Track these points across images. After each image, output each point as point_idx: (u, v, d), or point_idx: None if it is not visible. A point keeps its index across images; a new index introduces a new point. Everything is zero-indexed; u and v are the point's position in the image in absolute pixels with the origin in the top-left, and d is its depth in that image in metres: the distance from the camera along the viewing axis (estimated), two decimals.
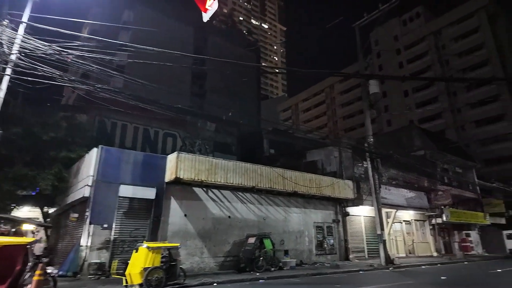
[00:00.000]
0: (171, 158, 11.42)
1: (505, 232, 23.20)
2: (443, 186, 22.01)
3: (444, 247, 24.79)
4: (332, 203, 17.04)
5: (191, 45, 38.11)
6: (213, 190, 12.80)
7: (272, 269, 12.13)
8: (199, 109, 29.47)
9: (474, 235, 27.19)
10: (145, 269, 7.85)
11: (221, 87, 37.25)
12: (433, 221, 22.38)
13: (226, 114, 22.91)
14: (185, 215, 11.85)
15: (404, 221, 21.05)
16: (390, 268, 13.91)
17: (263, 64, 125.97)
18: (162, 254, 8.54)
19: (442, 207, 21.74)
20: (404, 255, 20.25)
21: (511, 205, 32.18)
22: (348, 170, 17.82)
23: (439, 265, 16.41)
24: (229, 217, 12.99)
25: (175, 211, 11.65)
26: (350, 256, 16.59)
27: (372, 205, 16.41)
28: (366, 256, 17.53)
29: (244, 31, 58.77)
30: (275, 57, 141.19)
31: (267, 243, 12.54)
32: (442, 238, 25.26)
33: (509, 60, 44.06)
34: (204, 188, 12.56)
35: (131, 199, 11.09)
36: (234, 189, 13.20)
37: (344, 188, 16.60)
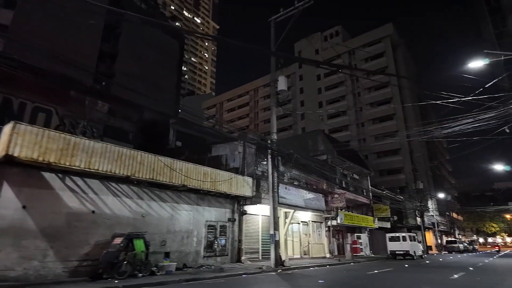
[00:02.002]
0: (6, 130, 8.51)
1: (388, 235, 25.50)
2: (340, 190, 23.07)
3: (338, 249, 26.16)
4: (230, 200, 15.86)
5: (102, 17, 33.37)
6: (73, 177, 10.18)
7: (140, 275, 10.13)
8: (103, 89, 25.46)
9: (364, 238, 29.53)
10: None
11: (135, 72, 33.48)
12: (329, 223, 23.27)
13: (134, 99, 20.03)
14: (24, 207, 9.00)
15: (301, 222, 21.25)
16: (279, 270, 13.29)
17: (185, 56, 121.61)
18: None
19: (337, 209, 22.74)
20: (299, 256, 20.35)
21: (395, 211, 36.41)
22: (250, 167, 16.94)
23: (328, 266, 16.62)
24: (93, 212, 10.51)
25: (7, 201, 8.72)
26: (243, 258, 15.59)
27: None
28: (260, 258, 16.84)
29: (168, 16, 54.68)
30: (205, 54, 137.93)
31: (139, 244, 10.50)
32: (336, 239, 26.64)
33: (403, 83, 50.77)
34: (59, 174, 9.86)
35: None
36: (104, 178, 10.79)
37: (243, 185, 15.59)
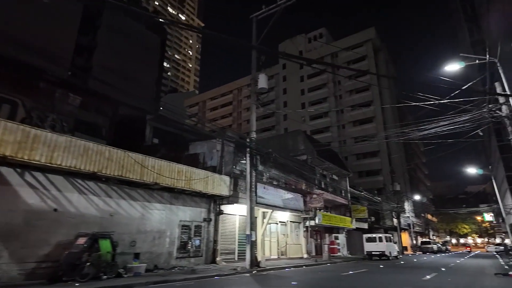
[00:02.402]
0: None
1: (365, 236, 25.77)
2: (319, 190, 23.07)
3: (315, 249, 26.18)
4: (206, 200, 15.42)
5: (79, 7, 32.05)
6: (34, 172, 9.48)
7: (105, 277, 9.55)
8: (75, 81, 24.29)
9: (341, 238, 29.75)
10: None
11: (113, 66, 32.39)
12: (307, 223, 23.22)
13: (110, 93, 19.17)
14: None
15: (280, 222, 21.07)
16: (254, 272, 13.00)
17: (168, 52, 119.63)
18: None
19: (316, 210, 22.72)
20: (276, 256, 20.14)
21: (373, 212, 36.98)
22: (228, 166, 16.56)
23: (304, 267, 16.49)
24: (56, 210, 9.84)
25: None
26: (218, 259, 15.19)
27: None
28: (236, 259, 16.49)
29: (150, 11, 53.35)
30: (189, 51, 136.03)
31: (104, 244, 9.91)
32: (314, 240, 26.66)
33: (383, 86, 51.85)
34: (17, 169, 9.15)
35: None
36: (68, 174, 10.13)
37: (220, 184, 15.19)
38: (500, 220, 42.09)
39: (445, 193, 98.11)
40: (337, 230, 29.24)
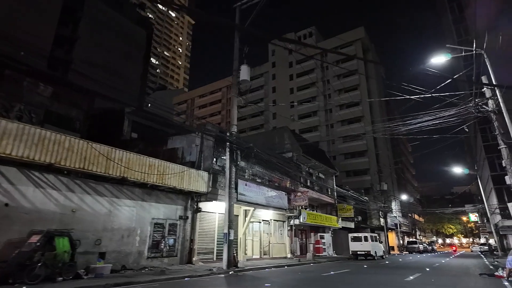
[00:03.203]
0: None
1: (350, 235, 25.30)
2: (304, 188, 22.47)
3: (300, 248, 25.60)
4: (182, 197, 14.59)
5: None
6: None
7: (60, 278, 8.67)
8: (52, 73, 23.08)
9: (327, 237, 29.23)
10: None
11: (95, 59, 31.26)
12: (292, 222, 22.60)
13: (89, 85, 18.16)
14: None
15: (263, 220, 20.38)
16: (231, 272, 12.26)
17: (157, 49, 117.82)
18: None
19: (300, 208, 22.13)
20: (258, 256, 19.45)
21: (360, 212, 36.67)
22: (207, 161, 15.77)
23: (286, 267, 15.82)
24: (7, 205, 8.91)
25: None
26: (194, 259, 14.39)
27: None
28: (215, 259, 15.71)
29: (135, 2, 51.99)
30: (179, 49, 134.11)
31: (61, 243, 9.02)
32: (299, 239, 26.08)
33: (372, 85, 51.93)
34: None
35: None
36: (22, 165, 9.19)
37: (197, 180, 14.39)
38: (485, 220, 42.45)
39: (432, 194, 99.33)
40: (323, 229, 28.74)
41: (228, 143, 14.44)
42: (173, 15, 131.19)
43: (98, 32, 34.18)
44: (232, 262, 13.63)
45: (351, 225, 33.78)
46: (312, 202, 28.58)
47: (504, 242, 37.93)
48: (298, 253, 24.54)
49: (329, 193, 30.55)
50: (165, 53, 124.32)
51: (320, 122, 54.43)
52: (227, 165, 14.16)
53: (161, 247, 13.09)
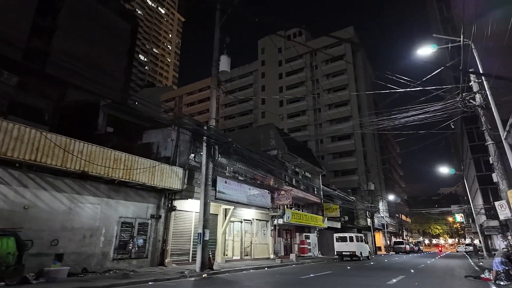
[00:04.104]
0: None
1: (335, 235, 24.69)
2: (288, 186, 21.73)
3: (285, 249, 24.87)
4: (155, 194, 13.64)
5: None
6: None
7: (2, 283, 7.67)
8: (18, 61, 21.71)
9: (313, 238, 28.58)
10: None
11: (75, 51, 29.90)
12: (275, 221, 21.84)
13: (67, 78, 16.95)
14: None
15: (244, 220, 19.55)
16: (204, 275, 11.40)
17: (146, 46, 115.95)
18: None
19: (284, 207, 21.40)
20: (239, 257, 18.61)
21: (347, 211, 36.21)
22: (183, 156, 14.85)
23: (266, 269, 15.03)
24: None
25: None
26: (167, 260, 13.45)
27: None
28: (190, 260, 14.79)
29: None
30: (169, 46, 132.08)
31: (5, 243, 8.01)
32: (284, 239, 25.36)
33: (360, 86, 51.66)
34: None
35: None
36: None
37: (170, 176, 13.46)
38: (470, 221, 42.62)
39: (419, 195, 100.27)
40: (308, 229, 28.09)
41: (205, 137, 13.58)
42: (163, 11, 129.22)
43: (78, 24, 32.86)
44: (208, 264, 12.77)
45: (338, 225, 33.26)
46: (298, 202, 27.91)
47: (489, 242, 38.10)
48: (282, 253, 23.81)
49: (316, 192, 29.94)
50: (154, 50, 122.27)
51: (309, 121, 53.96)
52: (204, 161, 13.31)
53: (129, 248, 12.11)
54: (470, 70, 10.67)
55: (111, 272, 10.96)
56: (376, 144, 54.22)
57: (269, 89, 60.99)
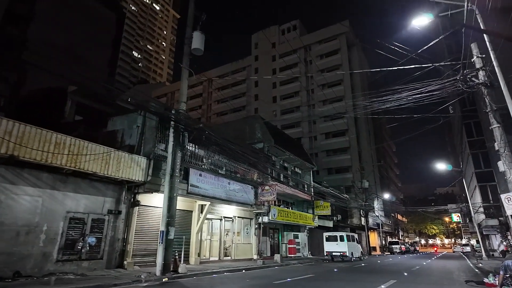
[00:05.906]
0: None
1: (325, 234, 23.13)
2: (276, 182, 20.11)
3: (272, 249, 23.28)
4: (113, 187, 11.95)
5: None
6: None
7: None
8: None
9: (302, 237, 27.03)
10: None
11: (53, 39, 28.14)
12: (260, 219, 20.23)
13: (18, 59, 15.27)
14: None
15: (224, 217, 17.90)
16: (164, 279, 9.81)
17: (140, 42, 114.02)
18: None
19: (270, 204, 19.80)
20: (217, 258, 16.97)
21: (340, 210, 34.65)
22: (148, 145, 13.19)
23: (244, 271, 13.43)
24: None
25: None
26: (127, 262, 11.79)
27: (180, 194, 12.50)
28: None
29: None
30: (163, 43, 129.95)
31: None
32: (271, 239, 23.77)
33: (356, 83, 50.17)
34: None
35: None
36: None
37: (130, 166, 11.80)
38: (467, 220, 41.26)
39: (415, 195, 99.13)
40: (298, 228, 26.51)
41: (172, 122, 11.94)
42: (157, 8, 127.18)
43: (57, 11, 31.14)
44: (172, 266, 11.17)
45: (330, 224, 31.73)
46: (287, 199, 26.34)
47: (487, 242, 36.70)
48: (268, 254, 22.22)
49: (306, 189, 28.36)
50: (148, 46, 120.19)
51: (302, 117, 52.40)
52: (170, 149, 11.68)
53: (78, 248, 10.44)
54: (473, 48, 9.12)
55: (55, 275, 9.27)
56: (371, 141, 52.73)
57: (262, 85, 59.42)
